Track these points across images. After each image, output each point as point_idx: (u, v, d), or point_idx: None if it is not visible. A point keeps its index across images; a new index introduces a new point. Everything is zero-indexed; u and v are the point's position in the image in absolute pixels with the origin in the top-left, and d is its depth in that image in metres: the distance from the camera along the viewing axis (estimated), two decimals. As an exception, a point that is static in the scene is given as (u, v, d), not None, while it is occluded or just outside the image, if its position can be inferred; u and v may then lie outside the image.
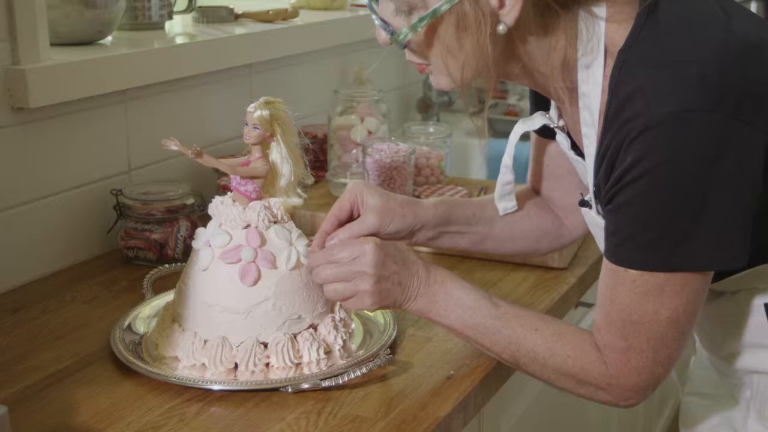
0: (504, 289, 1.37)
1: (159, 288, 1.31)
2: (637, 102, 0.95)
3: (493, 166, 2.35)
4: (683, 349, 1.05)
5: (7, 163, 1.35)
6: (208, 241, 1.14)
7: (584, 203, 1.12)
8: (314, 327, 1.14)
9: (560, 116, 1.14)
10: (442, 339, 1.21)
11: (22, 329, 1.24)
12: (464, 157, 2.37)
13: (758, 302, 1.13)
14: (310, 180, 1.20)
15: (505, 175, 1.24)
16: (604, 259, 1.03)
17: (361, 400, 1.06)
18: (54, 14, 1.44)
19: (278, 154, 1.16)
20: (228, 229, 1.14)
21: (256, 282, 1.11)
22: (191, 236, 1.47)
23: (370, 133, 1.69)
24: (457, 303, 1.09)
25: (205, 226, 1.17)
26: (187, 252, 1.46)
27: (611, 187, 0.99)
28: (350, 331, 1.18)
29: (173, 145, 1.13)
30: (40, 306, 1.31)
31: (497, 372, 1.16)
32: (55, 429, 1.01)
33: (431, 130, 1.83)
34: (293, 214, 1.20)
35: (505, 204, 1.26)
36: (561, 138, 1.15)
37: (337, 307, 1.18)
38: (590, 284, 1.51)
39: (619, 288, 1.01)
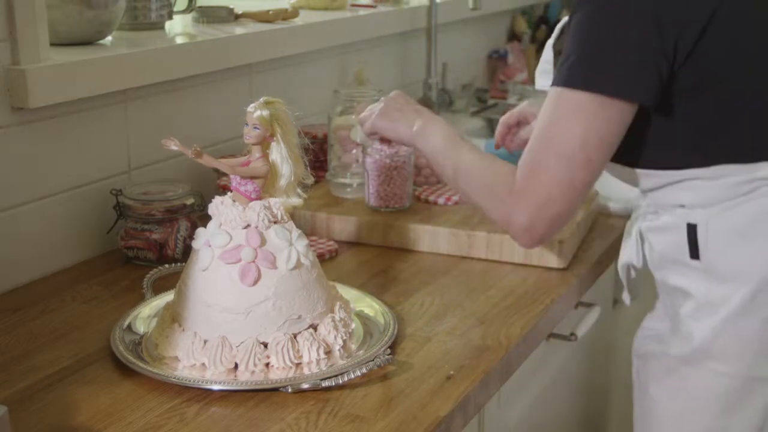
0: (504, 289, 1.37)
1: (159, 288, 1.31)
2: None
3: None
4: (586, 187, 1.18)
5: (7, 163, 1.35)
6: (207, 241, 1.14)
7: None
8: (314, 327, 1.14)
9: None
10: (442, 339, 1.21)
11: (22, 329, 1.24)
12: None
13: (683, 221, 1.26)
14: (310, 180, 1.20)
15: (547, 53, 1.41)
16: (549, 91, 1.20)
17: (361, 400, 1.06)
18: (54, 14, 1.44)
19: (278, 154, 1.16)
20: (228, 229, 1.14)
21: (256, 282, 1.11)
22: (191, 236, 1.46)
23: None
24: (434, 132, 1.34)
25: (205, 226, 1.17)
26: (187, 252, 1.46)
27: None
28: (350, 331, 1.18)
29: (173, 145, 1.13)
30: (40, 306, 1.31)
31: (497, 372, 1.16)
32: (55, 429, 1.01)
33: (431, 130, 1.82)
34: (293, 214, 1.20)
35: (542, 81, 1.41)
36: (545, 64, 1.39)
37: (337, 308, 1.18)
38: (591, 284, 1.51)
39: (548, 108, 1.18)
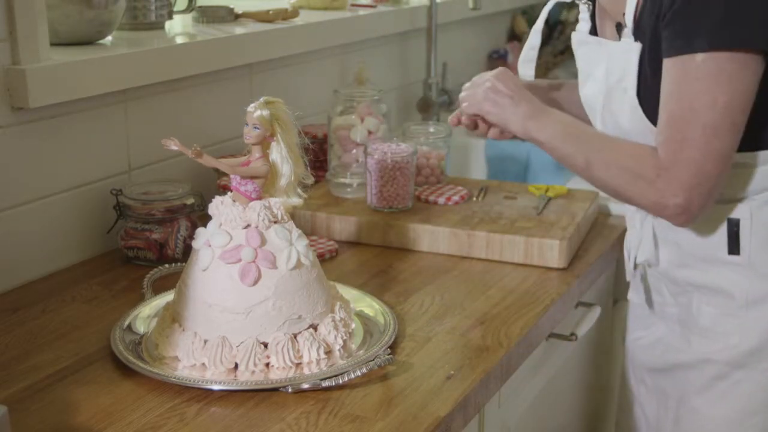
0: (504, 289, 1.37)
1: (159, 288, 1.31)
2: None
3: (493, 166, 2.35)
4: (734, 151, 1.14)
5: (7, 163, 1.35)
6: (208, 241, 1.14)
7: (618, 27, 1.27)
8: (314, 327, 1.14)
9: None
10: (442, 339, 1.21)
11: (22, 329, 1.24)
12: (464, 157, 2.37)
13: (722, 216, 1.23)
14: (310, 180, 1.20)
15: (534, 39, 1.40)
16: (666, 64, 1.15)
17: (361, 400, 1.06)
18: (54, 14, 1.44)
19: (278, 154, 1.16)
20: (228, 229, 1.14)
21: (256, 282, 1.11)
22: (191, 236, 1.47)
23: (370, 133, 1.69)
24: (554, 120, 1.28)
25: (205, 226, 1.17)
26: (187, 252, 1.46)
27: None
28: (350, 331, 1.18)
29: (173, 145, 1.13)
30: (40, 306, 1.31)
31: (498, 372, 1.16)
32: (55, 429, 1.01)
33: (431, 129, 1.83)
34: (293, 214, 1.20)
35: (525, 70, 1.43)
36: (583, 24, 1.33)
37: (337, 307, 1.18)
38: (591, 284, 1.51)
39: (683, 79, 1.13)
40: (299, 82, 1.96)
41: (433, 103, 2.46)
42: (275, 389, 1.07)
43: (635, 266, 1.40)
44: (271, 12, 1.90)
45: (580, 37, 1.35)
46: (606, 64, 1.28)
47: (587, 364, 1.70)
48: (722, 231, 1.25)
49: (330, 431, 1.00)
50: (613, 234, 1.60)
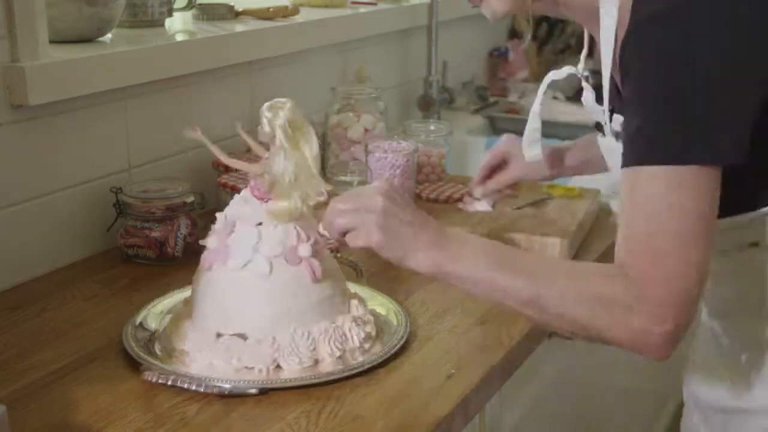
0: (505, 288, 1.36)
1: (157, 290, 1.29)
2: None
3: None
4: (710, 254, 0.96)
5: (7, 161, 1.35)
6: (256, 247, 1.13)
7: (598, 126, 1.14)
8: (333, 324, 1.13)
9: (586, 69, 1.21)
10: (443, 338, 1.20)
11: (21, 327, 1.24)
12: (465, 155, 2.37)
13: (761, 263, 1.08)
14: (322, 189, 1.13)
15: (534, 121, 1.33)
16: (622, 174, 0.98)
17: (362, 399, 1.05)
18: (53, 11, 1.43)
19: (279, 157, 1.14)
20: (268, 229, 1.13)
21: (315, 280, 1.12)
22: (191, 234, 1.47)
23: (366, 130, 1.69)
24: (470, 249, 1.02)
25: (205, 224, 1.17)
26: (187, 250, 1.46)
27: (622, 83, 0.99)
28: (367, 331, 1.17)
29: (196, 136, 1.14)
30: (39, 304, 1.31)
31: (498, 371, 1.16)
32: (55, 427, 1.00)
33: (432, 127, 1.83)
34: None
35: (531, 152, 1.36)
36: (587, 93, 1.16)
37: (354, 307, 1.17)
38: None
39: (638, 191, 0.96)
40: (299, 80, 1.95)
41: (434, 100, 2.45)
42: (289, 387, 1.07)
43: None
44: (271, 9, 1.90)
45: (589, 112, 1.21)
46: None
47: (588, 364, 1.70)
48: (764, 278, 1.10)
49: (330, 431, 1.00)
50: (614, 233, 1.59)
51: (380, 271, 1.42)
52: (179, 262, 1.46)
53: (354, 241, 1.05)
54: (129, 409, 1.03)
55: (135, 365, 1.12)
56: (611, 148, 1.09)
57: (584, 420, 1.75)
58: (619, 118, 1.06)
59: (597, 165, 1.38)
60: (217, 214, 1.18)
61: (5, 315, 1.28)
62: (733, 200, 1.00)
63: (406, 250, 1.04)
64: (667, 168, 0.95)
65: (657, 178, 0.95)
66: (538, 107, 1.31)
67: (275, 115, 1.11)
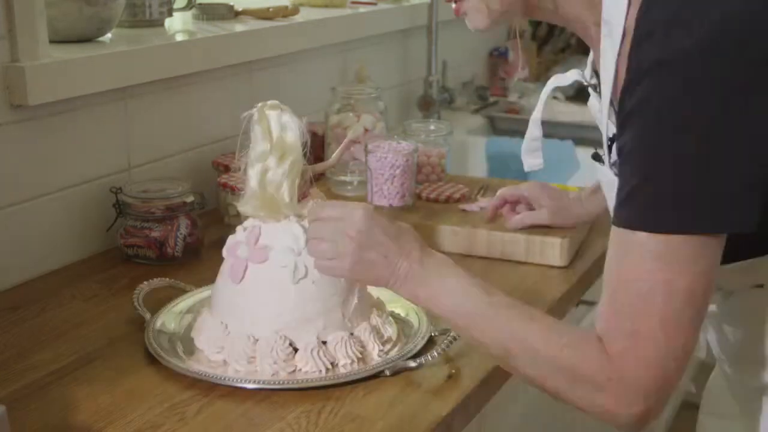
0: (505, 287, 1.35)
1: (153, 302, 1.26)
2: (657, 34, 0.86)
3: (494, 164, 2.35)
4: (697, 339, 0.90)
5: (6, 161, 1.35)
6: (292, 248, 1.12)
7: (597, 157, 1.06)
8: (350, 332, 1.13)
9: (594, 75, 1.07)
10: (443, 337, 1.20)
11: (21, 327, 1.24)
12: (464, 155, 2.37)
13: None
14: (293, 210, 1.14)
15: (534, 131, 1.24)
16: (612, 231, 0.92)
17: (362, 399, 1.05)
18: (53, 11, 1.43)
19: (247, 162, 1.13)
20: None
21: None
22: (191, 234, 1.47)
23: (366, 130, 1.69)
24: (448, 289, 1.01)
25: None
26: (187, 250, 1.46)
27: (620, 129, 0.90)
28: (387, 338, 1.17)
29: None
30: (39, 304, 1.31)
31: (499, 371, 1.16)
32: (55, 427, 1.00)
33: (432, 127, 1.82)
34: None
35: (531, 161, 1.27)
36: (593, 100, 1.08)
37: (374, 314, 1.17)
38: (592, 282, 1.50)
39: (626, 257, 0.89)
40: (299, 80, 1.95)
41: (434, 100, 2.45)
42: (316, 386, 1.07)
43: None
44: (271, 9, 1.90)
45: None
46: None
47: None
48: None
49: (330, 430, 0.99)
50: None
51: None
52: (179, 262, 1.46)
53: (324, 270, 1.06)
54: (129, 409, 1.03)
55: (135, 365, 1.12)
56: (610, 180, 1.00)
57: (584, 421, 1.75)
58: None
59: None
60: (238, 228, 1.17)
61: (5, 315, 1.27)
62: (741, 246, 0.94)
63: (383, 282, 1.04)
64: (661, 238, 0.87)
65: (649, 248, 0.88)
66: (539, 115, 1.22)
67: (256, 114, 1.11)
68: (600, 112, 1.02)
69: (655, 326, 0.88)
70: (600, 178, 1.09)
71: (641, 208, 0.88)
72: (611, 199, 0.98)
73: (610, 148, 0.99)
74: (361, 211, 1.04)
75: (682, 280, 0.87)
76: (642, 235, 0.88)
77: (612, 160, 0.99)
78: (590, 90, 1.10)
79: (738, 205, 0.87)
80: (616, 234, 0.92)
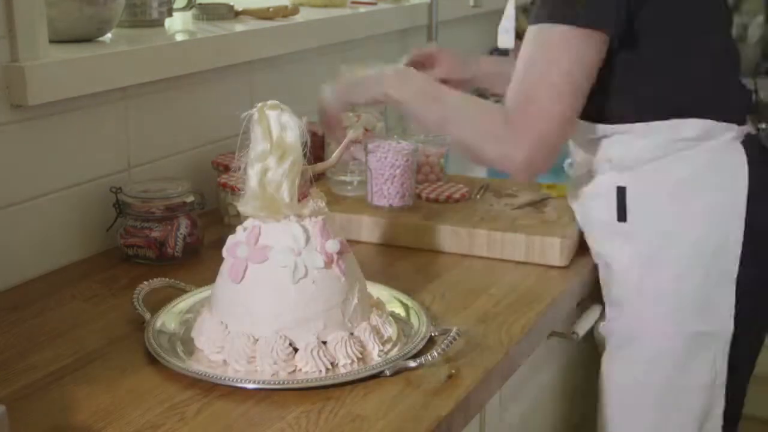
0: (504, 287, 1.37)
1: (153, 303, 1.26)
2: None
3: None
4: (575, 114, 1.26)
5: (6, 161, 1.35)
6: (298, 251, 1.12)
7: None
8: (350, 332, 1.13)
9: None
10: (443, 337, 1.20)
11: (21, 327, 1.24)
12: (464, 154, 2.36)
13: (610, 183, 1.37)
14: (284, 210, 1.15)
15: (510, 9, 1.64)
16: (528, 31, 1.27)
17: (362, 399, 1.05)
18: (53, 11, 1.43)
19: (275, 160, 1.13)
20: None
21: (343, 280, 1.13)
22: (191, 234, 1.47)
23: (366, 130, 1.68)
24: (411, 82, 1.37)
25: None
26: (187, 250, 1.46)
27: None
28: (387, 338, 1.17)
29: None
30: (39, 304, 1.31)
31: (499, 371, 1.16)
32: (54, 428, 1.00)
33: (432, 127, 1.82)
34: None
35: (504, 38, 1.68)
36: None
37: (374, 314, 1.17)
38: (592, 282, 1.50)
39: (531, 44, 1.26)
40: (299, 80, 1.95)
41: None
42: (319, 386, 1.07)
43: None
44: (271, 9, 1.90)
45: None
46: None
47: (588, 363, 1.69)
48: (614, 199, 1.36)
49: (330, 430, 0.99)
50: (614, 232, 1.59)
51: (380, 271, 1.42)
52: (179, 262, 1.46)
53: (337, 102, 1.46)
54: (129, 410, 1.03)
55: (135, 365, 1.12)
56: None
57: (584, 420, 1.75)
58: None
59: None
60: (238, 228, 1.17)
61: (5, 315, 1.27)
62: (601, 107, 1.32)
63: (365, 89, 1.41)
64: (556, 27, 1.23)
65: (548, 35, 1.24)
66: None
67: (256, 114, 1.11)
68: None
69: (541, 92, 1.24)
70: None
71: (546, 9, 1.25)
72: None
73: None
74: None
75: (565, 58, 1.23)
76: (541, 27, 1.25)
77: None
78: None
79: (607, 11, 1.24)
80: (529, 32, 1.27)
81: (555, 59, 1.24)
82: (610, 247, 1.39)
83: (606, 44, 1.26)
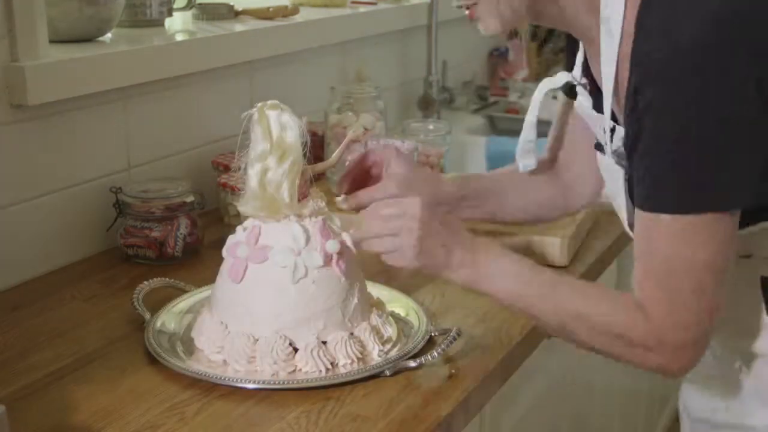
0: (505, 288, 1.36)
1: (153, 303, 1.26)
2: (656, 34, 0.97)
3: (493, 163, 2.35)
4: (724, 298, 1.03)
5: (6, 161, 1.35)
6: (298, 251, 1.11)
7: (598, 146, 1.15)
8: (350, 332, 1.13)
9: (584, 75, 1.18)
10: (443, 338, 1.20)
11: (21, 327, 1.24)
12: (463, 154, 2.36)
13: (754, 275, 1.12)
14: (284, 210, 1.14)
15: (528, 132, 1.29)
16: (637, 212, 1.03)
17: (362, 399, 1.05)
18: (53, 11, 1.43)
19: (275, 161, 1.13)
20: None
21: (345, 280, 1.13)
22: (191, 234, 1.47)
23: (366, 130, 1.68)
24: (502, 272, 1.10)
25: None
26: (187, 250, 1.46)
27: (632, 124, 1.00)
28: (387, 338, 1.17)
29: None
30: (39, 304, 1.31)
31: (499, 371, 1.16)
32: (54, 428, 1.00)
33: (431, 127, 1.83)
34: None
35: (525, 161, 1.32)
36: (582, 98, 1.18)
37: (374, 314, 1.17)
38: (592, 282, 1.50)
39: (654, 236, 1.01)
40: (299, 80, 1.95)
41: (434, 100, 2.45)
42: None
43: None
44: (271, 9, 1.90)
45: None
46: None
47: (588, 363, 1.69)
48: (757, 290, 1.14)
49: (330, 430, 0.99)
50: (614, 231, 1.59)
51: (380, 272, 1.42)
52: (179, 262, 1.46)
53: (391, 261, 1.13)
54: (128, 410, 1.03)
55: (135, 365, 1.12)
56: (611, 169, 1.12)
57: (584, 420, 1.75)
58: (620, 133, 1.08)
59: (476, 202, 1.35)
60: (238, 227, 1.17)
61: (5, 315, 1.27)
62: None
63: (440, 270, 1.11)
64: (681, 218, 0.99)
65: (672, 228, 1.00)
66: (533, 118, 1.29)
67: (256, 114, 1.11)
68: (591, 108, 1.15)
69: (685, 292, 1.01)
70: (600, 165, 1.18)
71: (660, 192, 1.00)
72: (610, 182, 1.14)
73: (611, 138, 1.10)
74: (418, 204, 1.11)
75: (704, 253, 0.99)
76: (666, 217, 1.00)
77: (614, 148, 1.10)
78: (579, 89, 1.19)
79: (744, 186, 0.99)
80: (641, 219, 1.03)
81: (684, 252, 1.00)
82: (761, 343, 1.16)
83: (738, 215, 1.03)
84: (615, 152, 1.10)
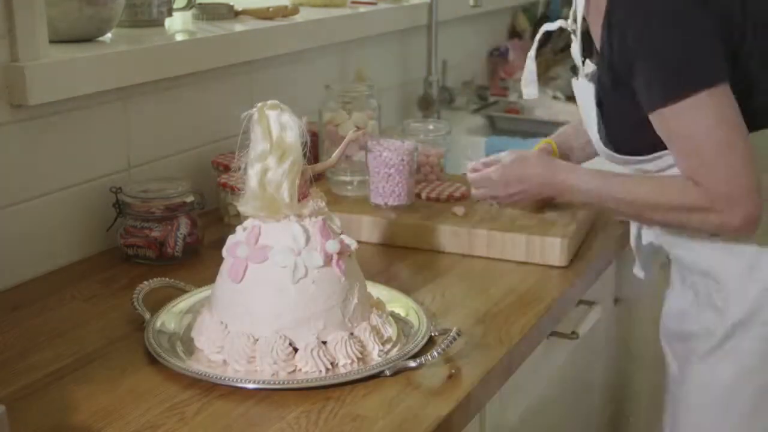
0: (505, 287, 1.37)
1: (153, 303, 1.26)
2: None
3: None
4: (750, 147, 1.22)
5: (6, 161, 1.35)
6: (298, 251, 1.12)
7: (574, 69, 1.40)
8: (350, 332, 1.13)
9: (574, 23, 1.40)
10: (444, 337, 1.20)
11: (21, 327, 1.24)
12: (464, 154, 2.36)
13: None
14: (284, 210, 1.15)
15: (530, 65, 1.50)
16: (652, 117, 1.25)
17: (362, 399, 1.05)
18: (53, 11, 1.43)
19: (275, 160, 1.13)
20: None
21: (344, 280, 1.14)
22: (191, 234, 1.47)
23: (358, 128, 1.68)
24: (579, 187, 1.39)
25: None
26: (187, 250, 1.46)
27: (609, 26, 1.27)
28: (387, 338, 1.17)
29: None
30: (39, 304, 1.31)
31: (499, 370, 1.16)
32: (54, 428, 1.00)
33: (431, 127, 1.82)
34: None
35: (528, 90, 1.51)
36: (575, 46, 1.40)
37: (374, 314, 1.17)
38: (592, 282, 1.50)
39: (672, 126, 1.24)
40: (299, 80, 1.95)
41: (434, 100, 2.45)
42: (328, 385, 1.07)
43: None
44: (271, 9, 1.90)
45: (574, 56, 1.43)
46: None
47: (588, 363, 1.70)
48: None
49: (330, 430, 0.99)
50: (614, 231, 1.59)
51: (380, 271, 1.42)
52: (179, 262, 1.46)
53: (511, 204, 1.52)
54: (128, 410, 1.03)
55: (135, 365, 1.12)
56: (584, 87, 1.37)
57: (585, 419, 1.75)
58: (590, 65, 1.37)
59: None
60: (238, 227, 1.17)
61: (5, 315, 1.27)
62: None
63: (534, 193, 1.47)
64: (683, 102, 1.21)
65: (681, 112, 1.22)
66: (533, 53, 1.49)
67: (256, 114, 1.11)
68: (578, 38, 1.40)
69: (713, 156, 1.22)
70: (574, 88, 1.41)
71: (652, 90, 1.24)
72: (585, 103, 1.38)
73: (583, 62, 1.38)
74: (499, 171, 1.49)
75: (715, 119, 1.22)
76: (673, 107, 1.22)
77: (585, 73, 1.37)
78: (572, 35, 1.40)
79: (719, 64, 1.23)
80: (658, 118, 1.25)
81: (707, 123, 1.22)
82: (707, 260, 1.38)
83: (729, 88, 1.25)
84: (587, 75, 1.36)
